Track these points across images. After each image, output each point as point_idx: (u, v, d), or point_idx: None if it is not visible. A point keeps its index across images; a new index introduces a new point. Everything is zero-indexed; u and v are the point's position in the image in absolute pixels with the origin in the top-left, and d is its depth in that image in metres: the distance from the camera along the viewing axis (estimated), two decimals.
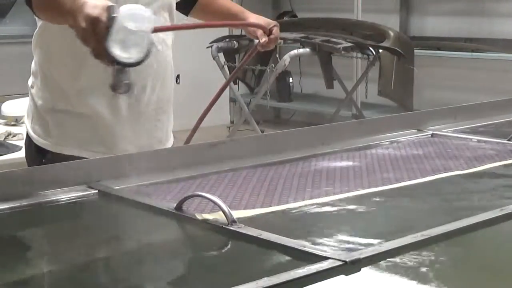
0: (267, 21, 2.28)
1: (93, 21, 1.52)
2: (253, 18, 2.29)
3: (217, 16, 2.33)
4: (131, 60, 1.54)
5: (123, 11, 1.53)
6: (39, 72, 2.04)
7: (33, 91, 2.06)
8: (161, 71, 2.07)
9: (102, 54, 1.53)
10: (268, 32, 2.24)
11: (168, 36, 2.09)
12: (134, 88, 1.66)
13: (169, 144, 2.15)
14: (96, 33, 1.52)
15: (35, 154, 2.05)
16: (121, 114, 2.01)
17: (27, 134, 2.08)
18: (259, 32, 2.23)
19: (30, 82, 2.08)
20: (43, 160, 2.01)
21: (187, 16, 2.34)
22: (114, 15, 1.52)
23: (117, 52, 1.52)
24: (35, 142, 2.05)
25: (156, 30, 1.59)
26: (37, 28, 2.02)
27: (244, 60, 2.37)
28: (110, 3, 1.56)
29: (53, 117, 2.02)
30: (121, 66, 1.55)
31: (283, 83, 7.04)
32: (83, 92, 1.98)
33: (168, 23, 2.06)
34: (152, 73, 2.03)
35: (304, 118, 7.26)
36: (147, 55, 1.54)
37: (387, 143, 2.02)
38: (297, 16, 7.38)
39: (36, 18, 1.98)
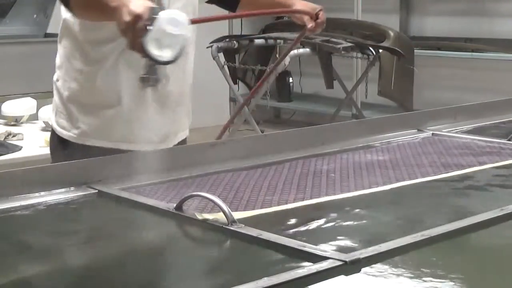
0: (313, 6, 2.37)
1: (136, 16, 1.68)
2: (299, 4, 2.36)
3: (264, 7, 2.38)
4: (162, 59, 1.70)
5: (164, 14, 1.69)
6: (64, 64, 2.08)
7: (58, 84, 2.10)
8: (182, 64, 2.10)
9: (137, 47, 1.69)
10: (314, 17, 2.33)
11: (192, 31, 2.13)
12: (160, 82, 1.81)
13: (183, 136, 2.19)
14: (136, 28, 1.68)
15: (60, 146, 2.10)
16: (145, 104, 2.05)
17: (52, 128, 2.13)
18: (306, 17, 2.33)
19: (55, 77, 2.13)
20: (66, 152, 2.06)
21: (234, 12, 2.38)
22: (156, 16, 1.68)
23: (152, 49, 1.68)
24: (58, 134, 2.09)
25: (194, 22, 1.79)
26: (62, 21, 2.07)
27: (292, 45, 2.51)
28: (153, 5, 1.73)
29: (78, 108, 2.06)
30: (153, 62, 1.72)
31: (283, 83, 7.04)
32: (104, 79, 2.02)
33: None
34: (176, 64, 2.07)
35: (304, 118, 7.25)
36: (177, 57, 1.71)
37: (387, 143, 2.02)
38: None
39: (63, 13, 2.05)
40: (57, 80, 2.11)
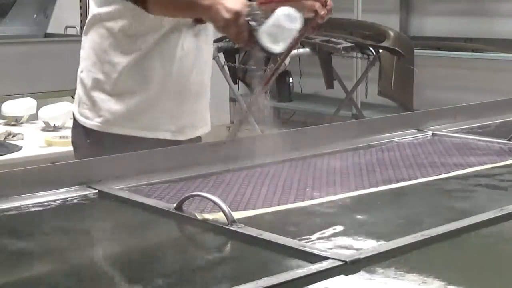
0: None
1: (236, 14, 1.85)
2: None
3: None
4: (275, 50, 1.87)
5: (281, 11, 1.84)
6: (91, 56, 2.11)
7: (82, 75, 2.13)
8: (205, 54, 2.16)
9: (242, 40, 1.87)
10: (324, 3, 2.33)
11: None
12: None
13: (205, 130, 2.22)
14: (239, 24, 1.84)
15: (83, 137, 2.13)
16: (168, 94, 2.09)
17: (74, 119, 2.16)
18: (317, 4, 2.31)
19: (79, 69, 2.16)
20: (90, 141, 2.10)
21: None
22: (256, 11, 1.86)
23: (265, 41, 1.84)
24: (82, 124, 2.11)
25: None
26: (90, 16, 2.12)
27: (301, 35, 2.54)
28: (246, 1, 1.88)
29: (102, 97, 2.09)
30: (264, 53, 1.91)
31: (283, 83, 7.03)
32: (133, 69, 2.06)
33: None
34: (199, 55, 2.15)
35: (304, 118, 7.25)
36: (285, 49, 1.87)
37: (387, 143, 2.02)
38: None
39: (92, 8, 2.11)
40: (81, 72, 2.15)
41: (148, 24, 2.03)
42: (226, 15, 1.86)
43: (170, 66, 2.06)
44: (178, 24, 2.07)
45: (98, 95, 2.10)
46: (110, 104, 2.08)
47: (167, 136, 2.08)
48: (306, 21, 2.37)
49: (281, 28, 1.84)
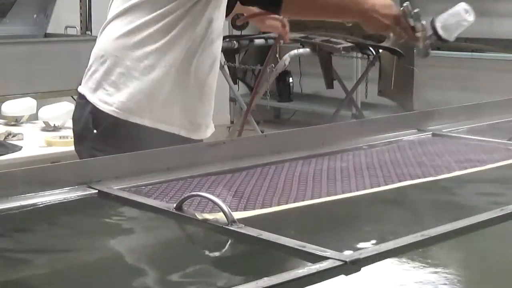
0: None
1: (395, 17, 2.12)
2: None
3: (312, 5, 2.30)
4: (448, 38, 2.13)
5: (462, 5, 2.15)
6: (121, 39, 2.11)
7: (104, 59, 2.13)
8: (219, 57, 2.23)
9: (407, 36, 2.14)
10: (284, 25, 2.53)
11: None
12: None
13: (208, 131, 2.24)
14: (401, 25, 2.12)
15: (96, 122, 2.12)
16: (187, 90, 2.12)
17: (86, 103, 2.14)
18: (280, 24, 2.50)
19: (99, 53, 2.15)
20: (104, 127, 2.10)
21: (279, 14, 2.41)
22: (416, 10, 2.15)
23: (439, 29, 2.13)
24: (101, 109, 2.10)
25: None
26: (111, 16, 2.14)
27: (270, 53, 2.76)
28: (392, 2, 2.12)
29: (123, 84, 2.09)
30: (434, 39, 2.14)
31: (283, 83, 7.03)
32: (159, 54, 2.08)
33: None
34: (219, 57, 2.23)
35: (304, 118, 7.25)
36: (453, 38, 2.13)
37: (387, 143, 2.02)
38: None
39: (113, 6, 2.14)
40: (102, 56, 2.13)
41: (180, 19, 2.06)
42: (387, 22, 2.10)
43: (192, 59, 2.09)
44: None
45: (120, 80, 2.10)
46: (129, 93, 2.08)
47: (184, 133, 2.11)
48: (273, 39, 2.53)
49: (459, 19, 2.13)
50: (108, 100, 2.10)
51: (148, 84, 2.09)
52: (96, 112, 2.12)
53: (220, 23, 2.17)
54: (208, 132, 2.24)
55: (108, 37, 2.16)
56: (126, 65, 2.10)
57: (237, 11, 2.38)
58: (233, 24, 2.32)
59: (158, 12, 2.07)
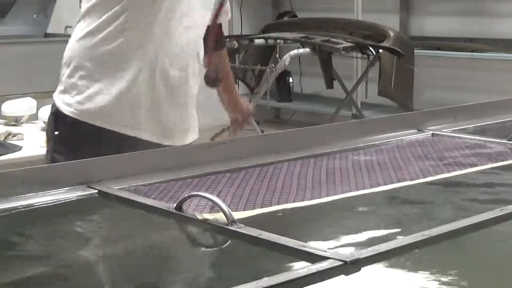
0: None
1: None
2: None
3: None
4: None
5: None
6: (81, 42, 2.11)
7: (69, 61, 2.13)
8: (198, 58, 2.19)
9: None
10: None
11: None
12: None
13: (189, 137, 2.22)
14: None
15: (62, 127, 2.12)
16: (155, 93, 2.10)
17: (54, 109, 2.14)
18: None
19: (66, 56, 2.15)
20: (70, 132, 2.10)
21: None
22: None
23: None
24: (65, 112, 2.09)
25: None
26: (77, 18, 2.14)
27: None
28: None
29: (88, 86, 2.08)
30: None
31: (283, 83, 7.03)
32: (114, 55, 2.07)
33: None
34: (196, 59, 2.19)
35: (304, 118, 7.25)
36: None
37: (387, 143, 2.02)
38: (297, 16, 7.38)
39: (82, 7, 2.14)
40: (69, 58, 2.14)
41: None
42: None
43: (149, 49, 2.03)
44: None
45: (83, 84, 2.08)
46: (95, 95, 2.06)
47: (154, 139, 2.07)
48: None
49: None
50: (69, 101, 2.09)
51: (108, 86, 2.06)
52: (57, 114, 2.11)
53: (187, 22, 2.13)
54: (188, 137, 2.19)
55: (73, 39, 2.15)
56: (87, 67, 2.08)
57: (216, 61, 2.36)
58: (206, 81, 2.24)
59: (111, 12, 2.05)
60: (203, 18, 2.17)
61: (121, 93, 2.06)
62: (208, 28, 2.17)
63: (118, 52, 2.05)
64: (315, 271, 1.11)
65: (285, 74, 6.70)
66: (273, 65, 5.62)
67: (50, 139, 2.15)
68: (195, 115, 2.23)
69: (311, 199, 1.53)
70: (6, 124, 3.84)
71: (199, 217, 1.36)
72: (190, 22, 2.13)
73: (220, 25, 2.29)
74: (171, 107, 2.13)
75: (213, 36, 2.19)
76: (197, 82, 2.21)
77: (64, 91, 2.12)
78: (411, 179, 1.68)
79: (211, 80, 2.21)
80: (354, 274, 1.13)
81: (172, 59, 2.09)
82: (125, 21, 2.04)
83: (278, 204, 1.49)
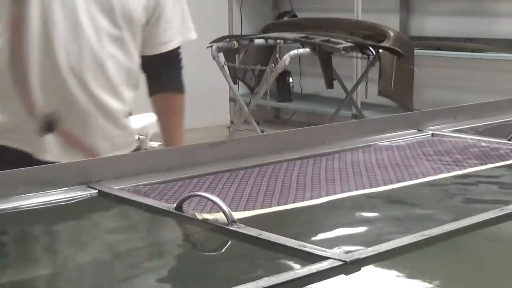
0: None
1: None
2: None
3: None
4: None
5: None
6: None
7: None
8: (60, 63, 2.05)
9: None
10: None
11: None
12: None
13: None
14: None
15: None
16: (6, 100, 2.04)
17: None
18: None
19: None
20: None
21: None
22: None
23: None
24: None
25: None
26: None
27: None
28: None
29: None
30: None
31: (283, 83, 7.04)
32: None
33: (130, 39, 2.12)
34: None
35: (304, 118, 7.26)
36: None
37: (387, 143, 2.02)
38: (297, 16, 7.39)
39: None
40: None
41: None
42: None
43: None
44: None
45: None
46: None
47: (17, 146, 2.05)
48: None
49: None
50: None
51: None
52: None
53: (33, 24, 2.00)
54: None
55: None
56: None
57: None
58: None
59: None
60: None
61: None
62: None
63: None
64: (315, 271, 1.11)
65: (285, 74, 6.71)
66: (273, 65, 5.62)
67: None
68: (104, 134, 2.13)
69: (311, 199, 1.53)
70: None
71: (199, 217, 1.36)
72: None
73: None
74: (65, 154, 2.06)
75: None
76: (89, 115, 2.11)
77: None
78: (411, 179, 1.68)
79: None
80: (354, 274, 1.13)
81: (28, 63, 2.01)
82: None
83: (278, 204, 1.49)
